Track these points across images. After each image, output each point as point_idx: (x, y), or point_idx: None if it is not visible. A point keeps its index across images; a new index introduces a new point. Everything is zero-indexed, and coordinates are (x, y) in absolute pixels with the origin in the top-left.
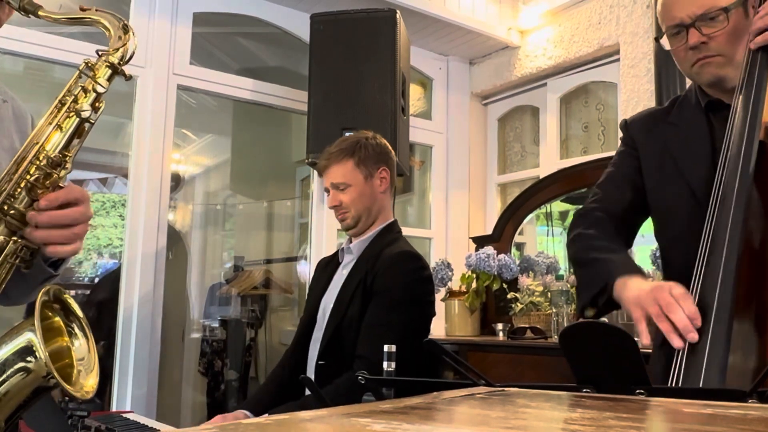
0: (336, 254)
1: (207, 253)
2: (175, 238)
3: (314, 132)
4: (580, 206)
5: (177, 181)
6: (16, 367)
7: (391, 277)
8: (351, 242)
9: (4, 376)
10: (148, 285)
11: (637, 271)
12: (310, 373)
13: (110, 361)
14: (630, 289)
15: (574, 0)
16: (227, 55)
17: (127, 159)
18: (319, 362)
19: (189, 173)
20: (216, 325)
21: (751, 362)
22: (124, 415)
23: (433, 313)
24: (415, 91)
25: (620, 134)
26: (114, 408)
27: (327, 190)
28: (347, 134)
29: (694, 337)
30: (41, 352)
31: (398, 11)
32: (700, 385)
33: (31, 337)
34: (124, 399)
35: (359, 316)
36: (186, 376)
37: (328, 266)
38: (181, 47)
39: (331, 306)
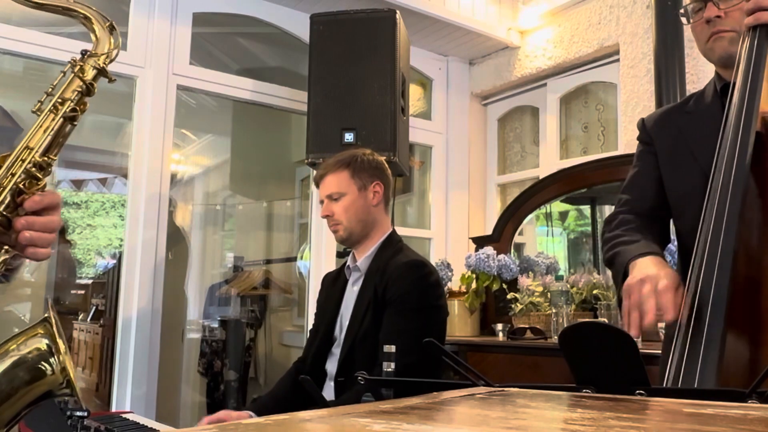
0: (341, 270)
1: (207, 253)
2: (176, 237)
3: (314, 132)
4: (580, 206)
5: (171, 181)
6: (35, 367)
7: (401, 288)
8: (355, 259)
9: (18, 375)
10: (148, 285)
11: (650, 252)
12: (328, 388)
13: (110, 362)
14: (631, 275)
15: (573, 0)
16: (227, 55)
17: (127, 159)
18: (338, 379)
19: (189, 173)
20: (215, 325)
21: (747, 358)
22: (124, 415)
23: (446, 314)
24: (414, 92)
25: (631, 137)
26: (113, 408)
27: (321, 202)
28: (347, 137)
29: (649, 321)
30: (63, 356)
31: (398, 11)
32: (696, 381)
33: (46, 343)
34: (124, 399)
35: (374, 330)
36: (185, 376)
37: (336, 282)
38: (180, 47)
39: (347, 323)
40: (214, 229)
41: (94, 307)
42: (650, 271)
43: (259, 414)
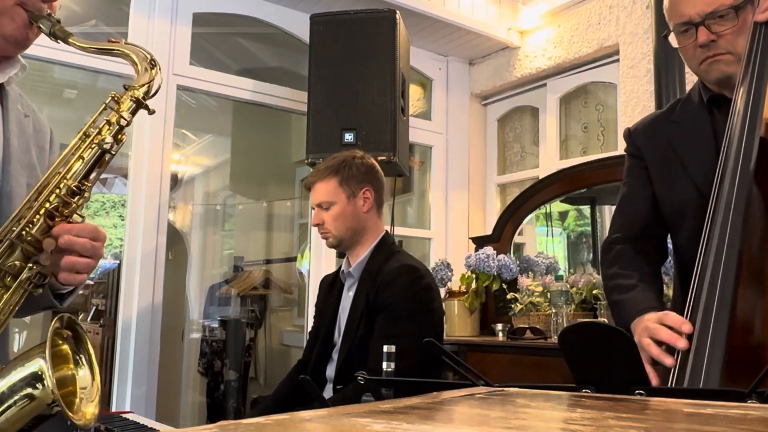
0: (338, 274)
1: (207, 254)
2: (175, 238)
3: (314, 132)
4: (580, 206)
5: (174, 181)
6: (24, 392)
7: (391, 293)
8: (349, 264)
9: (11, 400)
10: (148, 285)
11: (648, 307)
12: (327, 391)
13: (110, 362)
14: (636, 334)
15: (573, 0)
16: (227, 56)
17: (127, 159)
18: (337, 387)
19: (189, 173)
20: (216, 325)
21: (750, 359)
22: (124, 415)
23: (441, 317)
24: (414, 92)
25: (624, 145)
26: (114, 408)
27: (313, 208)
28: (347, 137)
29: (682, 344)
30: (49, 380)
31: (398, 11)
32: (701, 383)
33: (41, 364)
34: (124, 399)
35: (369, 337)
36: (186, 376)
37: (333, 287)
38: (180, 47)
39: (344, 329)
40: (214, 229)
41: (94, 307)
42: (647, 320)
43: None
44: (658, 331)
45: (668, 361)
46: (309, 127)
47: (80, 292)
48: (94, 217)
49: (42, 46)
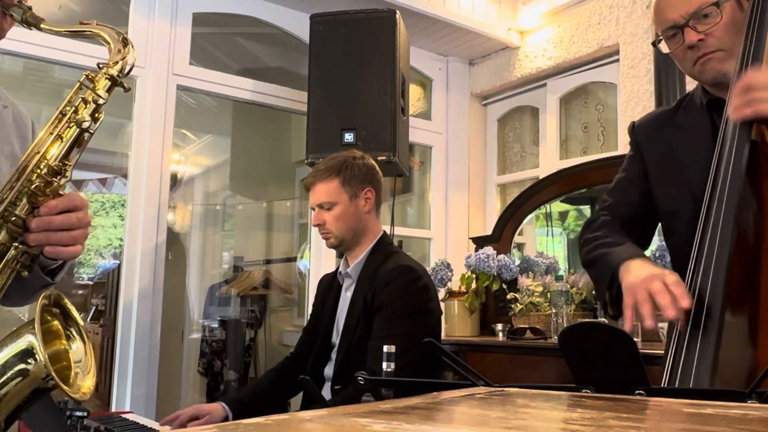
0: (336, 274)
1: (206, 254)
2: (175, 237)
3: (314, 132)
4: (580, 206)
5: (174, 181)
6: (17, 368)
7: (389, 294)
8: (347, 265)
9: (5, 377)
10: (148, 285)
11: (640, 255)
12: (325, 391)
13: (110, 362)
14: (629, 274)
15: (573, 0)
16: (227, 56)
17: (127, 159)
18: (335, 387)
19: (188, 173)
20: (215, 325)
21: (744, 358)
22: (124, 415)
23: (438, 317)
24: (414, 92)
25: (628, 138)
26: (113, 408)
27: (313, 208)
28: (347, 137)
29: (671, 314)
30: (41, 354)
31: (398, 11)
32: (692, 381)
33: (31, 339)
34: (124, 399)
35: (367, 338)
36: (185, 376)
37: (331, 287)
38: (180, 47)
39: (342, 330)
40: (214, 229)
41: (94, 307)
42: (654, 270)
43: (232, 405)
44: (659, 296)
45: (649, 322)
46: (309, 127)
47: (80, 291)
48: (95, 217)
49: (43, 47)
